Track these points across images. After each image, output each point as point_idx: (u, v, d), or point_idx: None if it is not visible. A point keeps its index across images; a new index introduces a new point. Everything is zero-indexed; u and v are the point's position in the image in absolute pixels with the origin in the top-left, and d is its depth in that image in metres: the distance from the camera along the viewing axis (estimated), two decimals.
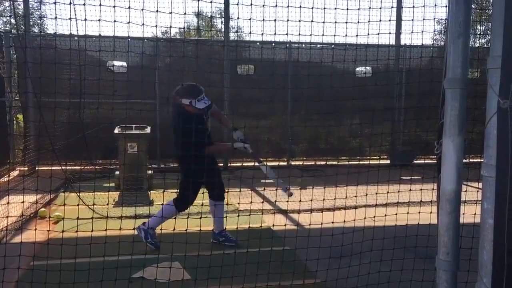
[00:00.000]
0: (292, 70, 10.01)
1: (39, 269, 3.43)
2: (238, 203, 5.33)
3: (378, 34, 4.40)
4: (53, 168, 5.93)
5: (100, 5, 3.35)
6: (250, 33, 15.73)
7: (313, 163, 10.41)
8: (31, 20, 10.38)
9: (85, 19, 3.68)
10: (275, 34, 4.33)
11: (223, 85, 9.48)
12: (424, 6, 4.24)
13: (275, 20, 4.07)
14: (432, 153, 6.82)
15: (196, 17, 13.15)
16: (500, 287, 2.12)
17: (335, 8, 3.97)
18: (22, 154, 8.33)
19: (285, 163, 10.42)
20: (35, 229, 3.83)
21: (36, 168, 7.94)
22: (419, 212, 4.05)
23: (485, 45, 11.89)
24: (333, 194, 4.50)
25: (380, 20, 4.28)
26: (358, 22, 3.95)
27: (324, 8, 3.90)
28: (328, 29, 4.01)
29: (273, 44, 9.76)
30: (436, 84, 3.11)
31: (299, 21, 3.90)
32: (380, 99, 8.91)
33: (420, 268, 3.54)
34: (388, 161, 10.59)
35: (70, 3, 3.44)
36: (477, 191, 2.46)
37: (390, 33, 10.55)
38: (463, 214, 2.59)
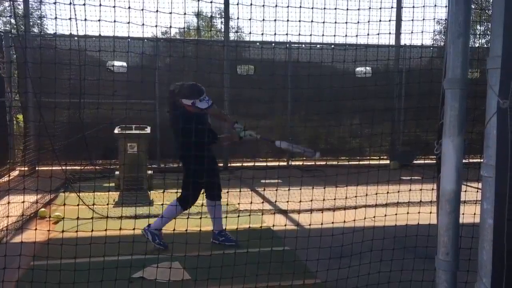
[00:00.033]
0: (292, 70, 10.01)
1: (39, 269, 3.43)
2: (238, 203, 5.33)
3: (378, 34, 4.40)
4: (53, 168, 5.95)
5: (100, 5, 3.35)
6: (250, 33, 15.73)
7: (313, 163, 10.42)
8: (31, 20, 10.37)
9: (85, 19, 3.69)
10: (275, 34, 4.32)
11: (223, 85, 9.49)
12: (424, 6, 4.24)
13: (275, 20, 4.07)
14: (432, 153, 6.83)
15: (196, 17, 13.15)
16: (499, 287, 2.12)
17: (335, 8, 3.97)
18: (22, 154, 8.33)
19: (285, 163, 10.43)
20: (35, 229, 3.83)
21: (36, 168, 7.95)
22: (419, 212, 4.05)
23: (485, 45, 11.89)
24: (333, 194, 4.50)
25: (380, 20, 4.28)
26: (358, 22, 3.95)
27: (324, 8, 3.90)
28: (328, 29, 4.02)
29: (273, 44, 9.76)
30: (436, 84, 3.11)
31: (299, 21, 3.91)
32: (380, 100, 8.91)
33: (420, 268, 3.54)
34: (388, 161, 10.59)
35: (70, 3, 3.44)
36: (477, 191, 2.46)
37: (390, 33, 10.57)
38: (463, 214, 2.59)
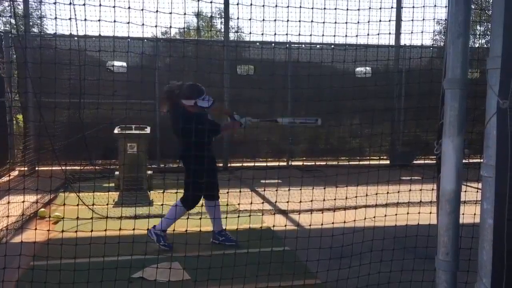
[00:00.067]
0: (292, 71, 10.01)
1: (39, 268, 3.43)
2: (238, 204, 5.33)
3: (378, 34, 4.40)
4: (53, 168, 5.95)
5: (100, 5, 3.35)
6: (250, 33, 15.73)
7: (313, 163, 10.42)
8: (30, 20, 10.37)
9: (85, 19, 3.69)
10: (275, 34, 4.32)
11: (223, 85, 9.49)
12: (423, 6, 4.24)
13: (275, 20, 4.07)
14: (432, 153, 6.83)
15: (196, 17, 13.15)
16: (499, 287, 2.12)
17: (335, 9, 3.97)
18: (22, 154, 8.33)
19: (285, 164, 10.43)
20: (35, 229, 3.83)
21: (36, 168, 7.95)
22: (419, 213, 4.05)
23: (485, 46, 11.89)
24: (333, 194, 4.50)
25: (380, 21, 4.28)
26: (358, 22, 3.95)
27: (324, 9, 3.90)
28: (328, 29, 4.02)
29: (273, 44, 9.77)
30: (435, 84, 3.11)
31: (299, 21, 3.91)
32: (380, 100, 8.91)
33: (420, 269, 3.54)
34: (388, 161, 10.59)
35: (70, 3, 3.44)
36: (477, 192, 2.46)
37: (390, 33, 10.58)
38: (463, 214, 2.59)
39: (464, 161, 2.44)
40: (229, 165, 9.95)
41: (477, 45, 12.00)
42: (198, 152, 4.22)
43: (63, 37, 8.23)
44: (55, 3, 3.30)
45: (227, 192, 4.28)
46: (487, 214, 2.18)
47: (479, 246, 2.25)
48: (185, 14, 3.78)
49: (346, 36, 4.15)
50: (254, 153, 10.17)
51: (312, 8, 3.93)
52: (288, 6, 4.15)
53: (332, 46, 9.94)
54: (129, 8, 3.40)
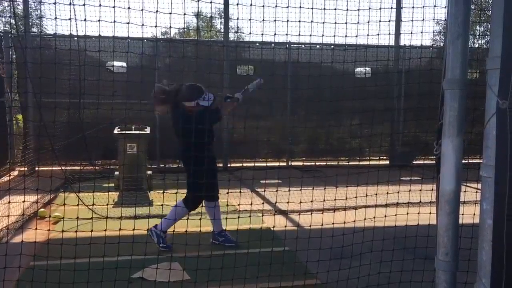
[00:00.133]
0: (291, 71, 10.01)
1: (39, 268, 3.43)
2: (238, 204, 5.33)
3: (378, 34, 4.40)
4: (53, 168, 5.94)
5: (100, 5, 3.35)
6: (250, 33, 15.73)
7: (313, 163, 10.42)
8: (30, 20, 10.38)
9: (85, 20, 3.69)
10: (275, 34, 4.32)
11: (223, 86, 9.48)
12: (423, 7, 4.24)
13: (274, 20, 4.08)
14: (431, 153, 6.84)
15: (195, 18, 13.15)
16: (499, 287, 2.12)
17: (335, 9, 3.97)
18: (22, 154, 8.33)
19: (284, 164, 10.43)
20: (36, 229, 3.83)
21: (36, 168, 7.95)
22: (418, 213, 4.05)
23: (484, 46, 11.89)
24: (333, 195, 4.50)
25: (380, 21, 4.29)
26: (358, 22, 3.96)
27: (324, 9, 3.91)
28: (328, 29, 4.02)
29: (273, 44, 9.76)
30: (435, 84, 3.11)
31: (299, 21, 3.91)
32: (380, 100, 8.92)
33: (419, 269, 3.54)
34: (388, 162, 10.60)
35: (70, 3, 3.44)
36: (476, 192, 2.46)
37: (389, 33, 10.58)
38: (462, 214, 2.59)
39: (463, 161, 2.45)
40: (229, 165, 9.95)
41: (476, 46, 12.02)
42: (198, 153, 4.22)
43: (63, 37, 8.23)
44: (55, 3, 3.30)
45: (227, 193, 4.29)
46: (487, 214, 2.18)
47: (478, 247, 2.25)
48: (185, 14, 3.79)
49: (346, 36, 4.16)
50: (254, 153, 10.17)
51: (312, 9, 3.94)
52: (288, 7, 4.16)
53: (332, 46, 9.94)
54: (129, 8, 3.40)
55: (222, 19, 10.52)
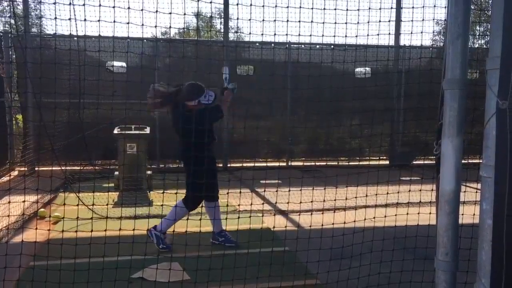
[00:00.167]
0: (291, 71, 10.01)
1: (39, 268, 3.43)
2: (239, 205, 5.33)
3: (378, 35, 4.40)
4: (53, 168, 5.94)
5: (100, 5, 3.35)
6: (250, 33, 15.73)
7: (312, 164, 10.42)
8: (30, 20, 10.37)
9: (85, 20, 3.69)
10: (274, 34, 4.32)
11: (222, 86, 9.48)
12: (423, 7, 4.24)
13: (274, 20, 4.08)
14: (431, 153, 6.84)
15: (195, 18, 13.16)
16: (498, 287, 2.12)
17: (335, 9, 3.97)
18: (22, 155, 8.33)
19: (284, 164, 10.43)
20: (36, 229, 3.84)
21: (36, 169, 7.95)
22: (418, 213, 4.05)
23: (484, 46, 11.90)
24: (333, 195, 4.50)
25: (380, 21, 4.29)
26: (358, 22, 3.96)
27: (324, 9, 3.91)
28: (328, 29, 4.02)
29: (273, 44, 9.76)
30: (435, 85, 3.11)
31: (299, 21, 3.91)
32: (380, 100, 8.92)
33: (419, 269, 3.54)
34: (387, 162, 10.60)
35: (70, 3, 3.44)
36: (476, 192, 2.46)
37: (389, 33, 10.58)
38: (462, 214, 2.59)
39: (463, 161, 2.45)
40: (228, 165, 9.95)
41: (476, 46, 12.02)
42: (199, 153, 4.22)
43: (63, 37, 8.23)
44: (55, 3, 3.30)
45: (227, 193, 4.28)
46: (486, 214, 2.18)
47: (478, 247, 2.25)
48: (184, 14, 3.79)
49: (346, 36, 4.16)
50: (254, 153, 10.17)
51: (312, 9, 3.94)
52: (288, 7, 4.16)
53: (332, 46, 9.94)
54: (128, 8, 3.40)
55: (222, 19, 10.52)
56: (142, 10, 3.51)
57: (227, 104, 4.87)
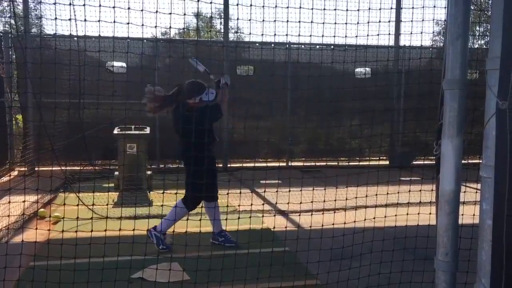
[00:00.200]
0: (291, 71, 10.01)
1: (39, 268, 3.43)
2: (238, 205, 5.33)
3: (378, 35, 4.41)
4: (53, 168, 5.94)
5: (100, 5, 3.36)
6: (250, 33, 15.73)
7: (313, 164, 10.42)
8: (30, 20, 10.37)
9: (85, 20, 3.69)
10: (274, 35, 4.33)
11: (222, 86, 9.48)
12: (423, 7, 4.25)
13: (274, 20, 4.08)
14: (431, 154, 6.84)
15: (195, 18, 13.16)
16: None
17: (335, 9, 3.98)
18: (22, 155, 8.33)
19: (284, 164, 10.43)
20: (36, 229, 3.84)
21: (36, 169, 7.95)
22: (418, 213, 4.05)
23: (484, 47, 11.91)
24: (333, 195, 4.50)
25: (380, 21, 4.29)
26: (358, 23, 3.96)
27: (324, 9, 3.91)
28: (328, 30, 4.02)
29: (273, 45, 9.77)
30: (435, 85, 3.11)
31: (299, 22, 3.91)
32: (380, 100, 8.92)
33: (419, 270, 3.54)
34: (387, 162, 10.60)
35: (70, 3, 3.44)
36: (476, 192, 2.46)
37: (389, 34, 10.57)
38: (462, 215, 2.59)
39: (463, 161, 2.45)
40: (228, 165, 9.95)
41: (476, 46, 12.02)
42: (199, 153, 4.22)
43: (63, 37, 8.23)
44: (54, 3, 3.30)
45: (227, 193, 4.28)
46: (486, 214, 2.18)
47: (478, 247, 2.25)
48: (184, 14, 3.79)
49: (345, 36, 4.17)
50: (253, 153, 10.17)
51: (312, 9, 3.94)
52: (288, 7, 4.16)
53: (332, 46, 9.95)
54: (128, 8, 3.40)
55: (222, 20, 10.52)
56: (142, 10, 3.52)
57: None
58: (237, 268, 3.59)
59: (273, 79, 9.25)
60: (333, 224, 4.08)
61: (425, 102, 4.30)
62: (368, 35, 4.39)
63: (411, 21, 4.35)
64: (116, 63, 9.46)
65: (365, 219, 4.08)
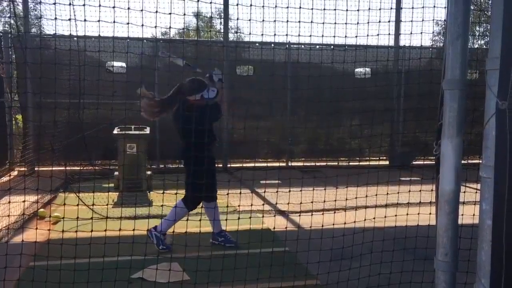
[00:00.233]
0: (291, 71, 10.01)
1: (39, 268, 3.43)
2: (238, 205, 5.33)
3: (378, 35, 4.40)
4: (53, 168, 5.94)
5: (100, 5, 3.36)
6: (250, 33, 15.74)
7: (312, 164, 10.42)
8: (29, 20, 10.38)
9: (85, 20, 3.69)
10: (274, 35, 4.33)
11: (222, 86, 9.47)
12: (423, 7, 4.24)
13: (274, 20, 4.08)
14: (431, 154, 6.84)
15: (195, 18, 13.17)
16: None
17: (335, 9, 3.97)
18: (22, 155, 8.33)
19: (284, 164, 10.43)
20: (36, 229, 3.84)
21: (36, 169, 7.95)
22: (418, 213, 4.05)
23: (484, 47, 11.91)
24: (333, 195, 4.50)
25: (380, 21, 4.29)
26: (358, 23, 3.96)
27: (324, 9, 3.91)
28: (328, 30, 4.02)
29: (273, 45, 9.77)
30: (435, 85, 3.11)
31: (299, 22, 3.91)
32: (380, 100, 8.92)
33: (419, 270, 3.54)
34: (387, 162, 10.60)
35: (70, 3, 3.44)
36: (476, 192, 2.46)
37: (389, 34, 10.58)
38: (462, 215, 2.59)
39: (463, 161, 2.45)
40: (228, 165, 9.94)
41: (476, 46, 12.02)
42: (199, 153, 4.22)
43: (63, 38, 8.22)
44: (54, 3, 3.30)
45: (227, 193, 4.29)
46: (486, 214, 2.18)
47: (478, 247, 2.25)
48: (184, 14, 3.79)
49: (345, 36, 4.16)
50: (253, 153, 10.17)
51: (312, 9, 3.94)
52: (287, 7, 4.16)
53: (332, 46, 9.95)
54: (128, 8, 3.40)
55: (222, 20, 10.52)
56: (142, 10, 3.52)
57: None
58: (237, 269, 3.59)
59: (273, 79, 9.24)
60: (333, 224, 4.08)
61: (425, 102, 4.30)
62: (368, 35, 4.38)
63: (411, 21, 4.35)
64: (116, 63, 9.46)
65: (365, 219, 4.08)
